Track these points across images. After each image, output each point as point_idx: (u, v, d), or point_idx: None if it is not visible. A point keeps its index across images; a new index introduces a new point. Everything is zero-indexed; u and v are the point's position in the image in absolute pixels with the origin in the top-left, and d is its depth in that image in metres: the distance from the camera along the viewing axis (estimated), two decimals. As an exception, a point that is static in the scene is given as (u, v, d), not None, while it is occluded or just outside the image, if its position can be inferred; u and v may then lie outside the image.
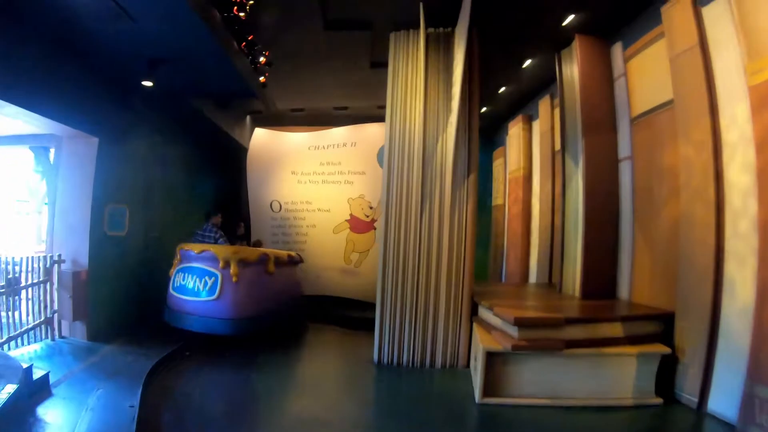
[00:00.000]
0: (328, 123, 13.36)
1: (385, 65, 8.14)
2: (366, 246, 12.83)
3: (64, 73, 7.11)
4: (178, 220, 11.07)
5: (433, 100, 7.72)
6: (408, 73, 7.86)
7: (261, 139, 13.22)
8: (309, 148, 13.18)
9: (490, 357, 5.72)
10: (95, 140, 8.01)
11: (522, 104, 11.80)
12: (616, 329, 5.92)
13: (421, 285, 7.41)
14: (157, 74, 7.52)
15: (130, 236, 8.93)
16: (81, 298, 7.86)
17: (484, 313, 6.92)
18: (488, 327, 6.52)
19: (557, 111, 9.40)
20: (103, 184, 8.14)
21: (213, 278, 7.83)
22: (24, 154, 9.50)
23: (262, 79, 8.69)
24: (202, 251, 7.98)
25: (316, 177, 13.13)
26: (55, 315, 7.89)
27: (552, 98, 10.07)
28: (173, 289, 8.25)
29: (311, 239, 13.03)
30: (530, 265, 11.37)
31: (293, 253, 10.45)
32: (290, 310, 9.97)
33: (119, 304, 8.76)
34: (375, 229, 12.73)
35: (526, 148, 11.54)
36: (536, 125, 11.08)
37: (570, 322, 5.77)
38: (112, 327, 8.48)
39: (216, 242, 8.74)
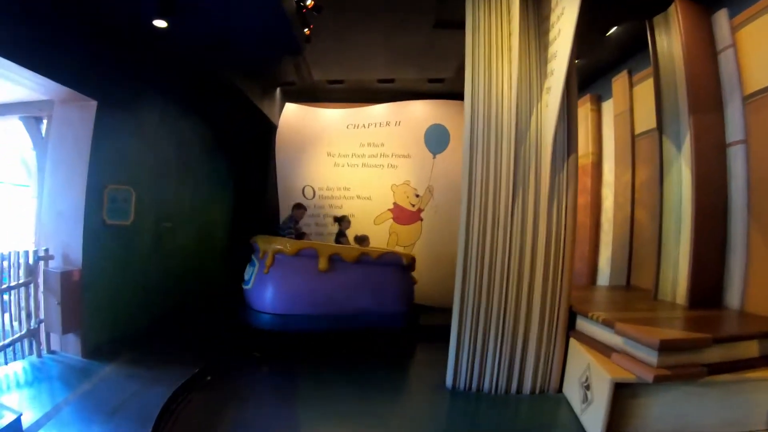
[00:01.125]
0: (368, 100, 11.44)
1: (452, 25, 7.13)
2: (411, 239, 11.11)
3: (47, 11, 5.27)
4: (197, 207, 9.24)
5: (524, 63, 6.12)
6: (493, 30, 6.24)
7: (292, 115, 11.32)
8: (347, 127, 11.32)
9: (618, 389, 4.62)
10: (93, 104, 6.14)
11: (588, 82, 9.94)
12: (752, 349, 4.92)
13: (510, 291, 5.88)
14: (174, 15, 5.70)
15: (136, 226, 7.06)
16: (73, 304, 6.02)
17: (588, 327, 5.64)
18: (598, 346, 5.31)
19: (638, 89, 8.29)
20: (102, 160, 6.28)
21: (254, 267, 7.73)
22: (15, 127, 7.64)
23: (306, 30, 6.83)
24: (254, 241, 8.02)
25: (355, 159, 11.30)
26: (41, 326, 6.09)
27: (630, 74, 8.51)
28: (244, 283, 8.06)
29: (349, 232, 10.89)
30: (599, 264, 9.74)
31: (396, 251, 8.59)
32: (363, 322, 7.70)
33: (123, 312, 6.91)
34: (421, 220, 11.06)
35: (594, 132, 9.88)
36: (608, 106, 9.51)
37: (717, 341, 4.68)
38: (114, 341, 6.66)
39: (283, 233, 8.30)
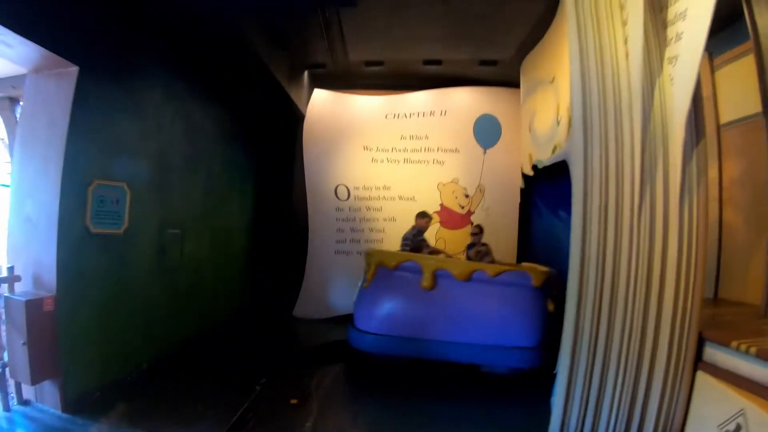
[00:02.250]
0: (406, 87, 9.68)
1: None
2: (460, 246, 9.28)
3: None
4: (211, 208, 7.52)
5: (644, 25, 4.51)
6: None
7: (322, 102, 9.55)
8: (386, 117, 9.55)
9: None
10: (73, 71, 4.43)
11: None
12: None
13: (636, 315, 4.39)
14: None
15: (132, 235, 5.27)
16: (45, 342, 4.32)
17: (730, 359, 4.13)
18: (753, 386, 3.80)
19: (721, 73, 6.80)
20: (85, 147, 4.56)
21: (359, 282, 7.10)
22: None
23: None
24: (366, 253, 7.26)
25: (396, 154, 9.55)
26: (7, 371, 4.41)
27: (711, 57, 6.96)
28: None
29: (389, 237, 9.39)
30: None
31: (524, 268, 6.78)
32: (474, 355, 6.12)
33: (116, 348, 5.16)
34: (471, 224, 9.26)
35: (670, 123, 7.98)
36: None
37: None
38: (106, 387, 4.92)
39: (402, 246, 7.44)
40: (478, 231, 7.92)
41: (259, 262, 9.60)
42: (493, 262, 7.46)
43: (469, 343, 6.01)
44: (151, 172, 5.64)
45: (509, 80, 9.22)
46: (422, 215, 7.63)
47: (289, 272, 9.39)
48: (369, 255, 6.90)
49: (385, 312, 6.30)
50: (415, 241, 7.37)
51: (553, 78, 7.10)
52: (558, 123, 6.83)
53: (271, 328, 8.41)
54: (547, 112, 7.40)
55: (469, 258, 7.67)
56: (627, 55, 4.50)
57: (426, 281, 6.19)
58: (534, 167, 8.10)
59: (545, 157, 7.32)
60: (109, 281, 4.95)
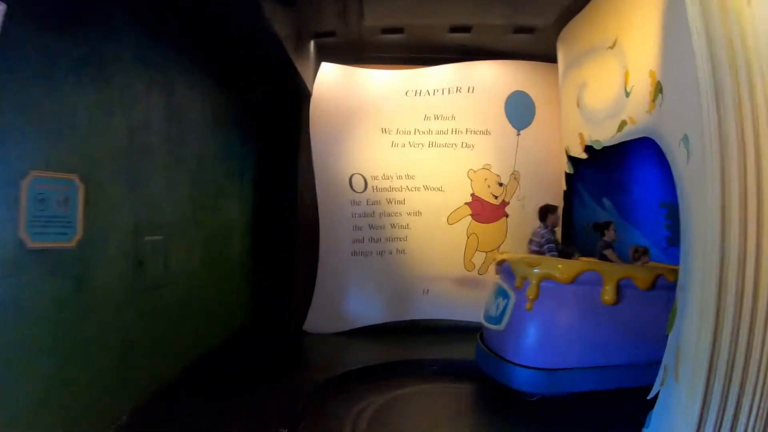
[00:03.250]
0: (427, 61, 8.21)
1: None
2: (495, 242, 8.10)
3: None
4: (202, 206, 6.00)
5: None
6: None
7: (332, 78, 7.99)
8: (406, 94, 8.04)
9: None
10: (-5, 9, 2.89)
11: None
12: None
13: None
14: None
15: (92, 247, 3.70)
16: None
17: None
18: None
19: None
20: (13, 121, 3.03)
21: (505, 300, 5.48)
22: None
23: None
24: (501, 261, 5.79)
25: (419, 137, 8.05)
26: None
27: None
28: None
29: (414, 234, 7.99)
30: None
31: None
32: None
33: (83, 405, 3.63)
34: (506, 215, 8.04)
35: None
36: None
37: None
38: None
39: (540, 249, 6.04)
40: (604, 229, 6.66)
41: (263, 270, 8.12)
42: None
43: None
44: (119, 159, 4.10)
45: (543, 53, 7.92)
46: (551, 210, 6.39)
47: (298, 280, 7.94)
48: (520, 265, 5.40)
49: (565, 340, 5.08)
50: (557, 244, 6.18)
51: (615, 42, 5.81)
52: (627, 93, 5.50)
53: (280, 349, 6.95)
54: (605, 82, 6.10)
55: (602, 258, 6.32)
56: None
57: (609, 294, 5.03)
58: (588, 149, 6.74)
59: (608, 136, 6.03)
60: (63, 315, 3.42)
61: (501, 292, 5.63)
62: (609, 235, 6.51)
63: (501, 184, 8.04)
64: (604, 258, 6.24)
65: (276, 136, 8.30)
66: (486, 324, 5.81)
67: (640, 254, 6.32)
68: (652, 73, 4.71)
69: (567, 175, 7.61)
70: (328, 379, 5.53)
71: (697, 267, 3.51)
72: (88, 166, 3.61)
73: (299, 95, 7.84)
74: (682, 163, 3.81)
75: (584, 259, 6.17)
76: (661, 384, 4.04)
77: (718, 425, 3.40)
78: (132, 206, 4.32)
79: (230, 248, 7.09)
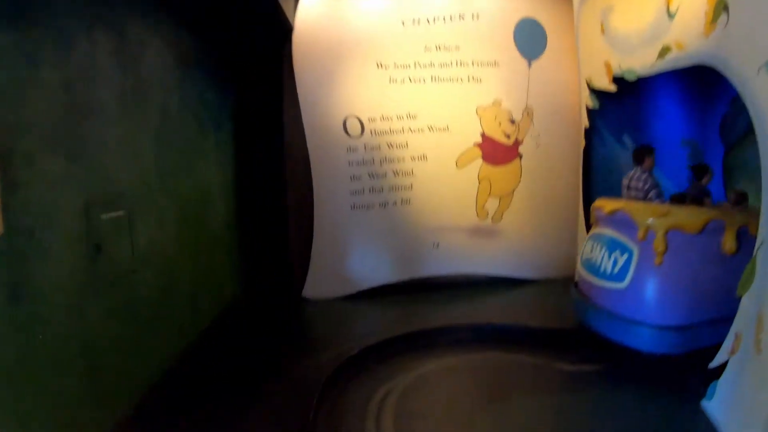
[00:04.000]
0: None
1: None
2: (509, 185, 7.31)
3: None
4: (172, 171, 4.93)
5: None
6: None
7: (316, 7, 6.86)
8: (403, 23, 6.98)
9: None
10: None
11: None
12: None
13: None
14: None
15: (27, 234, 2.69)
16: None
17: None
18: None
19: None
20: None
21: (625, 255, 4.76)
22: None
23: None
24: (614, 211, 4.98)
25: (420, 71, 7.03)
26: None
27: None
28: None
29: (420, 182, 7.06)
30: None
31: None
32: None
33: None
34: (520, 156, 7.22)
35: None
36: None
37: None
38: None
39: (645, 197, 5.45)
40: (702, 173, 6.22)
41: (251, 236, 7.16)
42: None
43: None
44: (53, 122, 3.03)
45: None
46: (648, 151, 5.69)
47: (293, 242, 7.01)
48: (644, 215, 4.75)
49: (696, 294, 4.54)
50: (647, 183, 5.53)
51: None
52: (671, 15, 4.78)
53: (278, 326, 6.03)
54: (639, 3, 5.40)
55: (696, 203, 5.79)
56: None
57: (730, 243, 4.46)
58: (619, 80, 6.00)
59: (646, 64, 5.31)
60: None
61: (617, 245, 4.94)
62: (707, 179, 6.05)
63: (513, 122, 7.18)
64: (698, 203, 5.73)
65: (256, 79, 7.17)
66: (596, 280, 5.11)
67: (742, 199, 5.80)
68: None
69: (589, 110, 6.73)
70: (339, 364, 4.62)
71: None
72: (8, 135, 2.57)
73: (280, 30, 6.71)
74: (766, 96, 3.11)
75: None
76: (731, 353, 3.49)
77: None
78: (79, 180, 3.27)
79: (210, 216, 6.04)
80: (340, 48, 6.84)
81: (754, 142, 3.40)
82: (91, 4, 3.51)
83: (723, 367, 3.58)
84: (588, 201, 6.66)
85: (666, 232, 4.58)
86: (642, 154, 5.63)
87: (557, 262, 7.31)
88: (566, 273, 7.08)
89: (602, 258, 5.07)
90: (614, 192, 6.50)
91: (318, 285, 6.78)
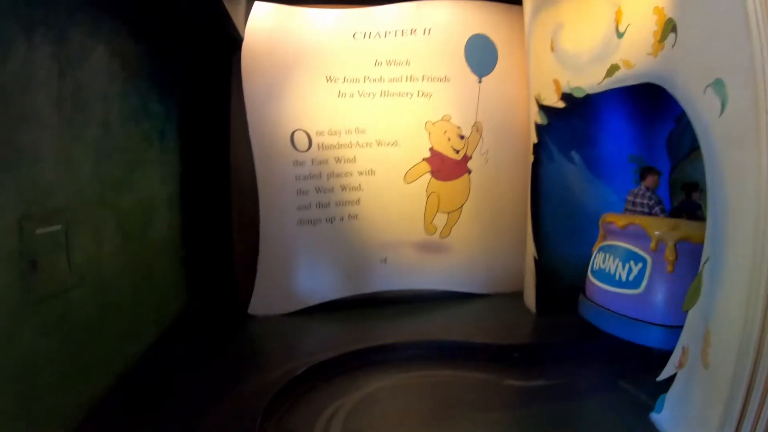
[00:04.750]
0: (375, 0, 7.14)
1: None
2: (457, 201, 7.33)
3: None
4: (113, 182, 4.77)
5: None
6: None
7: (267, 19, 6.71)
8: (354, 36, 6.92)
9: None
10: None
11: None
12: None
13: None
14: None
15: None
16: None
17: None
18: None
19: None
20: None
21: (639, 264, 5.22)
22: None
23: None
24: (627, 225, 5.45)
25: (369, 86, 6.98)
26: None
27: None
28: (592, 272, 5.87)
29: (368, 197, 7.01)
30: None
31: None
32: None
33: None
34: (469, 172, 7.25)
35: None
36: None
37: None
38: None
39: (650, 212, 5.71)
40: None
41: (196, 250, 6.98)
42: None
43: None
44: None
45: None
46: (653, 171, 5.97)
47: (238, 257, 6.88)
48: (656, 228, 5.19)
49: None
50: (652, 200, 5.78)
51: None
52: (620, 34, 4.87)
53: (223, 344, 5.87)
54: (589, 22, 5.43)
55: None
56: None
57: None
58: (567, 97, 6.05)
59: (593, 82, 5.38)
60: None
61: (631, 256, 5.35)
62: (696, 195, 6.29)
63: (462, 137, 7.19)
64: (693, 216, 6.08)
65: (202, 90, 7.02)
66: (609, 288, 5.48)
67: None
68: (658, 10, 4.01)
69: (537, 126, 6.78)
70: (285, 383, 4.53)
71: (741, 236, 2.94)
72: None
73: (229, 40, 6.57)
74: (711, 115, 3.18)
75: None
76: (678, 366, 3.56)
77: (755, 422, 2.84)
78: (12, 192, 3.11)
79: (153, 229, 5.84)
80: (290, 60, 6.73)
81: (700, 159, 3.46)
82: (31, 5, 3.36)
83: (672, 380, 3.64)
84: (536, 216, 6.73)
85: (675, 243, 4.98)
86: (646, 173, 5.93)
87: (506, 277, 7.35)
88: (514, 288, 7.18)
89: (616, 267, 5.45)
90: (563, 207, 6.88)
91: (264, 301, 6.64)
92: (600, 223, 6.10)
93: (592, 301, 5.70)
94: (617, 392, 4.57)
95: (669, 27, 3.80)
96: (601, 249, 5.85)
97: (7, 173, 3.07)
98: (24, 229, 3.19)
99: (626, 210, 6.04)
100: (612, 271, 5.53)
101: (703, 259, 3.41)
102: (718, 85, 3.10)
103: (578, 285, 6.92)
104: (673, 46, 3.75)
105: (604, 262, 5.73)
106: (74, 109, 4.01)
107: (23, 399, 3.06)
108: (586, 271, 6.69)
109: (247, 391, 4.38)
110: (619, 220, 5.63)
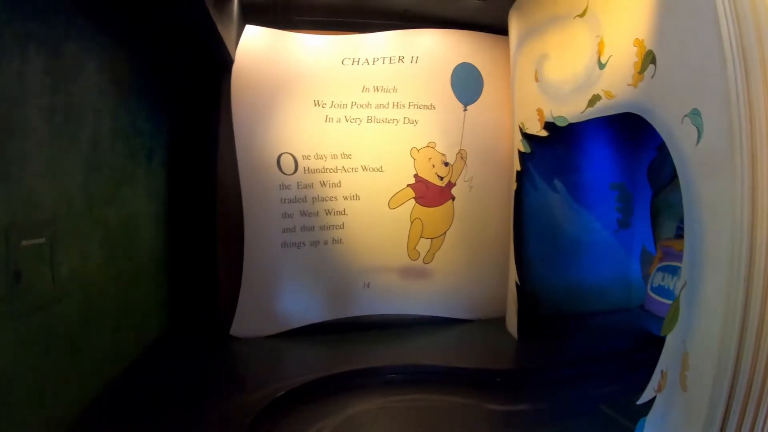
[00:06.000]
0: (368, 25, 7.29)
1: None
2: (441, 227, 7.34)
3: None
4: (100, 197, 4.78)
5: None
6: None
7: (257, 43, 6.77)
8: (343, 62, 6.99)
9: None
10: None
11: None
12: None
13: None
14: None
15: None
16: None
17: None
18: None
19: None
20: None
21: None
22: None
23: None
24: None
25: (357, 111, 7.04)
26: None
27: None
28: (651, 289, 6.47)
29: (352, 221, 7.01)
30: None
31: None
32: None
33: None
34: (453, 198, 7.29)
35: None
36: None
37: None
38: None
39: None
40: None
41: (180, 269, 6.96)
42: None
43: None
44: None
45: (490, 24, 7.40)
46: None
47: (222, 277, 6.83)
48: None
49: None
50: None
51: (585, 9, 5.21)
52: (602, 65, 4.90)
53: (204, 364, 5.79)
54: (572, 53, 5.50)
55: None
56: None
57: None
58: (550, 126, 6.10)
59: (575, 112, 5.42)
60: None
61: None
62: None
63: (447, 164, 7.25)
64: None
65: (191, 109, 7.06)
66: (669, 302, 5.59)
67: None
68: (638, 42, 4.09)
69: (521, 154, 6.88)
70: (265, 405, 4.49)
71: (718, 263, 2.95)
72: None
73: (219, 62, 6.63)
74: (688, 144, 3.24)
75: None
76: (657, 390, 3.54)
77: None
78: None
79: (138, 246, 5.83)
80: (279, 83, 6.78)
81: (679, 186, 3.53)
82: (27, 19, 3.39)
83: (650, 403, 3.65)
84: (519, 242, 6.78)
85: None
86: None
87: (488, 303, 7.36)
88: (497, 313, 7.19)
89: (674, 284, 5.87)
90: (545, 234, 7.19)
91: (246, 323, 6.58)
92: (657, 246, 6.68)
93: (652, 313, 6.22)
94: (598, 416, 4.56)
95: (648, 58, 3.88)
96: (659, 269, 6.41)
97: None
98: (10, 239, 3.17)
99: (678, 236, 6.41)
100: (672, 287, 5.97)
101: (680, 285, 3.45)
102: (695, 115, 3.16)
103: (560, 311, 6.99)
104: (653, 77, 3.82)
105: (663, 279, 6.29)
106: (65, 123, 4.04)
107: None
108: (569, 297, 6.79)
109: (228, 412, 4.35)
110: (677, 245, 6.00)
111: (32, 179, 3.52)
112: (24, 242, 3.34)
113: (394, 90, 7.10)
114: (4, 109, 3.16)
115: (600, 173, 7.70)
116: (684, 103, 3.28)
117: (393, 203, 7.10)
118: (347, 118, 6.97)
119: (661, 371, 3.57)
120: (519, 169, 6.89)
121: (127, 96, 5.47)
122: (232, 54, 6.55)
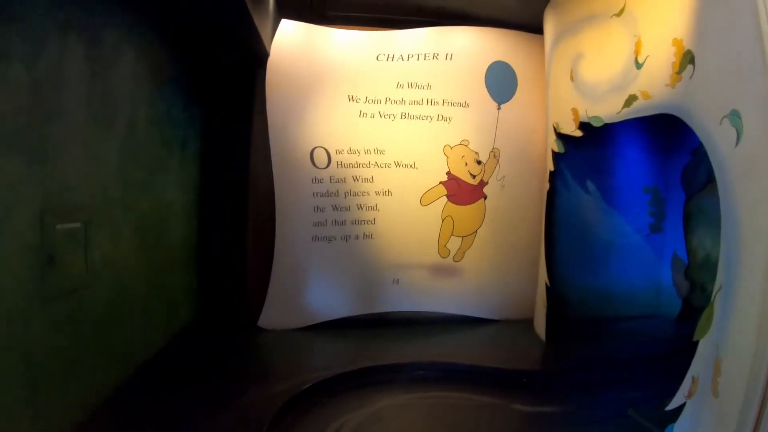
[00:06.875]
0: (402, 22, 7.23)
1: None
2: (472, 226, 7.23)
3: None
4: (134, 185, 4.81)
5: None
6: None
7: (293, 37, 6.79)
8: (377, 58, 6.95)
9: None
10: None
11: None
12: None
13: None
14: None
15: None
16: None
17: None
18: None
19: None
20: None
21: None
22: None
23: None
24: None
25: (391, 107, 6.99)
26: None
27: None
28: None
29: (383, 217, 6.97)
30: None
31: None
32: None
33: None
34: (485, 197, 7.18)
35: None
36: None
37: None
38: None
39: None
40: None
41: (209, 259, 6.95)
42: None
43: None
44: (16, 123, 2.94)
45: (527, 23, 7.27)
46: None
47: (251, 269, 6.84)
48: None
49: None
50: None
51: (623, 8, 5.09)
52: (639, 65, 4.77)
53: (232, 355, 5.79)
54: (609, 53, 5.36)
55: None
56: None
57: None
58: (585, 126, 5.96)
59: (611, 112, 5.28)
60: None
61: None
62: None
63: (479, 162, 7.16)
64: None
65: (226, 101, 7.04)
66: None
67: None
68: (677, 42, 3.97)
69: (554, 154, 6.75)
70: (290, 397, 4.47)
71: (755, 266, 2.85)
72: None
73: (255, 56, 6.64)
74: (727, 145, 3.13)
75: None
76: (687, 396, 3.45)
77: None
78: (36, 186, 3.15)
79: (169, 234, 5.87)
80: (314, 78, 6.78)
81: (715, 191, 3.42)
82: (68, 6, 3.41)
83: (680, 409, 3.55)
84: (550, 244, 6.67)
85: None
86: None
87: (517, 303, 7.26)
88: (525, 314, 7.08)
89: None
90: (577, 236, 6.90)
91: (274, 315, 6.60)
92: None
93: None
94: (625, 421, 4.45)
95: (687, 59, 3.78)
96: None
97: (33, 167, 3.09)
98: (45, 222, 3.19)
99: None
100: None
101: (715, 289, 3.34)
102: (734, 116, 3.06)
103: (589, 314, 6.84)
104: (691, 77, 3.72)
105: None
106: (102, 110, 4.07)
107: (29, 391, 3.04)
108: (598, 300, 6.63)
109: (253, 403, 4.33)
110: None
111: (69, 164, 3.55)
112: (59, 226, 3.36)
113: (429, 87, 7.04)
114: (44, 93, 3.19)
115: (633, 176, 7.53)
116: (723, 104, 3.19)
117: (425, 200, 7.04)
118: (381, 113, 6.93)
119: (692, 377, 3.48)
120: (552, 169, 6.77)
121: (164, 86, 5.52)
122: (267, 48, 6.55)
